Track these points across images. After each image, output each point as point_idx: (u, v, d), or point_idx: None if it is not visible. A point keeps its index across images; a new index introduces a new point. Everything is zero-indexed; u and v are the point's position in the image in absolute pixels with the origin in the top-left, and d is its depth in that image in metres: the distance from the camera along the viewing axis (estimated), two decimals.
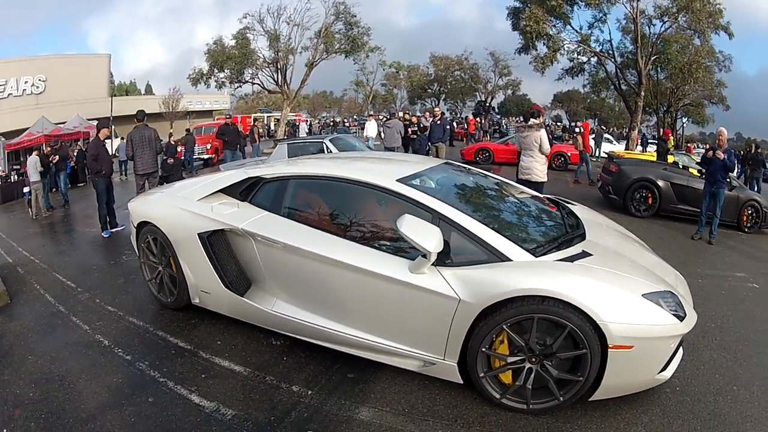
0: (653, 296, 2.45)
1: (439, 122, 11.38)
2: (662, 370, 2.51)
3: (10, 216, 10.69)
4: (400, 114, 15.41)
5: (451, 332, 2.51)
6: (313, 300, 3.00)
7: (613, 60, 18.97)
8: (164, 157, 10.60)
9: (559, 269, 2.52)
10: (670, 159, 12.13)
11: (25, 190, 10.09)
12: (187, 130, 17.46)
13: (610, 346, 2.31)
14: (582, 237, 3.02)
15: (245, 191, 3.46)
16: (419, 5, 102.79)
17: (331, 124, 36.26)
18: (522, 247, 2.61)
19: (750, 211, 8.22)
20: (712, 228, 7.03)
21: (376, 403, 2.65)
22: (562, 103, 46.18)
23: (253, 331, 3.37)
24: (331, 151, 8.81)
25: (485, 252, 2.58)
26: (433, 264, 2.52)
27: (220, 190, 3.56)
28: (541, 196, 4.08)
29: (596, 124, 35.09)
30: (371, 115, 21.32)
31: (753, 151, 14.46)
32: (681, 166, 9.90)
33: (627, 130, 21.69)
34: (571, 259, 2.64)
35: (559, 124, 41.36)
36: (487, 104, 39.42)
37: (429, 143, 11.31)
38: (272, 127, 31.46)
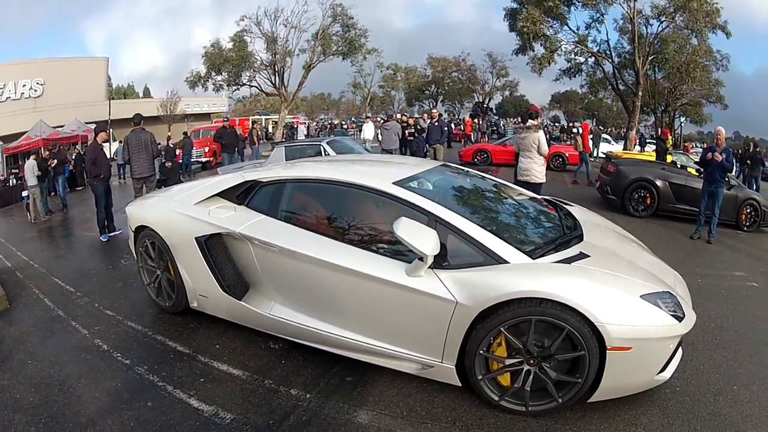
0: (651, 297, 2.45)
1: (436, 124, 11.38)
2: (661, 371, 2.51)
3: (8, 220, 10.69)
4: (398, 116, 15.42)
5: (448, 335, 2.51)
6: (311, 303, 3.00)
7: (610, 60, 19.02)
8: (162, 161, 10.60)
9: (556, 271, 2.52)
10: (669, 159, 12.15)
11: (24, 194, 10.08)
12: (185, 133, 17.46)
13: (609, 347, 2.31)
14: (580, 238, 3.02)
15: (242, 195, 3.47)
16: (416, 7, 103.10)
17: (328, 126, 36.18)
18: (519, 249, 2.61)
19: (749, 210, 8.24)
20: (711, 227, 7.04)
21: (375, 406, 2.65)
22: (560, 103, 46.24)
23: (251, 334, 3.37)
24: (328, 154, 8.81)
25: (482, 254, 2.58)
26: (430, 267, 2.51)
27: (217, 194, 3.56)
28: (539, 197, 4.09)
29: (594, 124, 35.12)
30: (368, 117, 21.32)
31: (751, 150, 14.46)
32: (679, 166, 9.92)
33: (625, 130, 21.69)
34: (568, 260, 2.64)
35: (557, 124, 41.39)
36: (485, 105, 39.42)
37: (427, 145, 11.31)
38: (270, 130, 31.43)
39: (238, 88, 23.20)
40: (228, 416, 2.57)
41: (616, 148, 18.60)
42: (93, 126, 9.38)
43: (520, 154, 6.15)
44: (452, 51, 58.82)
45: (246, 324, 3.34)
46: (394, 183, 2.94)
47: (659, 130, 20.89)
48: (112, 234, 6.91)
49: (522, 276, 2.44)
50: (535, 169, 5.96)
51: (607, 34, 19.97)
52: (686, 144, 28.74)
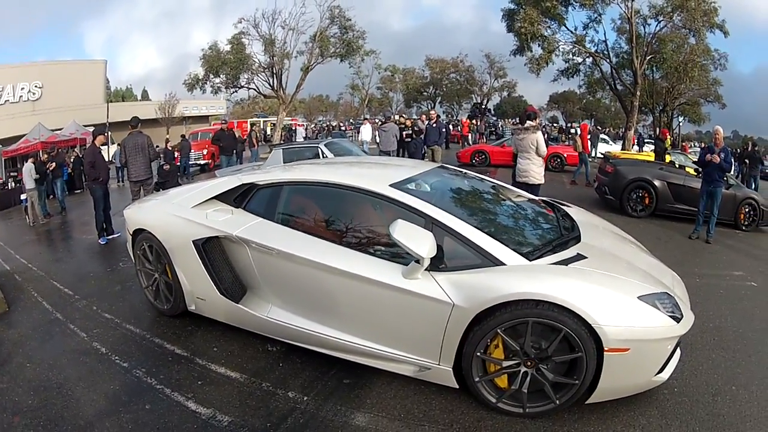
0: (649, 298, 2.45)
1: (434, 125, 11.40)
2: (659, 372, 2.50)
3: (7, 223, 10.68)
4: (396, 117, 15.43)
5: (445, 337, 2.51)
6: (309, 306, 3.00)
7: (608, 60, 19.02)
8: (161, 163, 10.59)
9: (553, 273, 2.52)
10: (668, 158, 12.16)
11: (22, 197, 10.08)
12: (183, 135, 17.45)
13: (606, 348, 2.30)
14: (577, 239, 3.03)
15: (239, 198, 3.46)
16: (414, 8, 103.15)
17: (326, 128, 36.10)
18: (516, 251, 2.61)
19: (747, 210, 8.25)
20: (710, 227, 7.04)
21: (372, 408, 2.65)
22: (558, 104, 46.25)
23: (249, 337, 3.37)
24: (326, 156, 8.81)
25: (479, 256, 2.58)
26: (426, 269, 2.51)
27: (215, 197, 3.56)
28: (537, 198, 4.09)
29: (593, 124, 35.13)
30: (366, 119, 21.32)
31: (750, 149, 14.49)
32: (677, 165, 9.92)
33: (623, 130, 21.70)
34: (565, 262, 2.64)
35: (555, 125, 41.41)
36: (483, 106, 39.42)
37: (425, 146, 11.32)
38: (269, 132, 31.40)
39: (236, 91, 23.16)
40: (226, 419, 2.57)
41: (615, 148, 18.63)
42: (91, 129, 9.34)
43: (518, 155, 6.16)
44: (450, 52, 59.10)
45: (244, 327, 3.34)
46: (390, 185, 2.94)
47: (657, 129, 20.91)
48: (110, 237, 6.91)
49: (519, 278, 2.44)
50: (534, 170, 5.95)
51: (604, 34, 19.98)
52: (684, 144, 28.74)
